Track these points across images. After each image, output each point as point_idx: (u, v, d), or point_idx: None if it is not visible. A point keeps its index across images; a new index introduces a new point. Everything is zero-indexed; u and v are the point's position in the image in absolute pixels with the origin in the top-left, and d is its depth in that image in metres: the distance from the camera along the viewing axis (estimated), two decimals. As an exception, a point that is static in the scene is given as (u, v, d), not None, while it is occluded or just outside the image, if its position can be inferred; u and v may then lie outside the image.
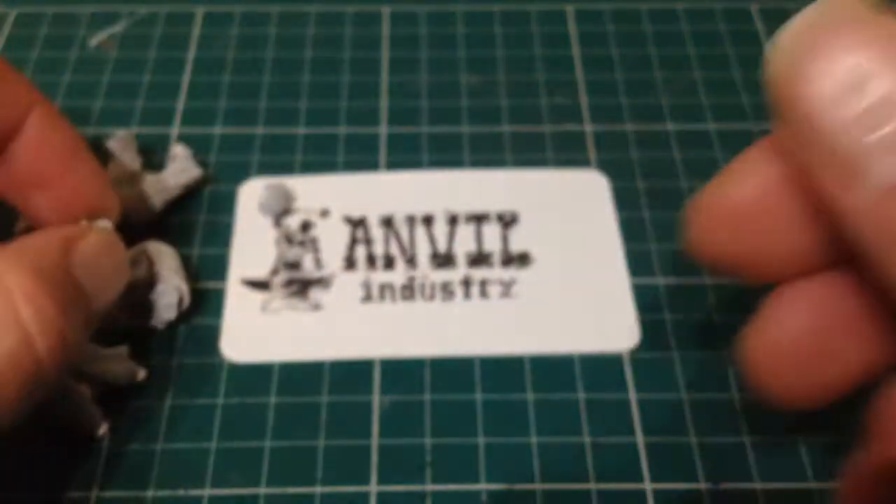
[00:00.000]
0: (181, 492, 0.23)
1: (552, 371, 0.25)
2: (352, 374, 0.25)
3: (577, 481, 0.23)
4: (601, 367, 0.25)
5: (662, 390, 0.25)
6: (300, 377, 0.25)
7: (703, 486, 0.23)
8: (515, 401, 0.25)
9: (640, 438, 0.24)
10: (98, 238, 0.22)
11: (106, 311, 0.22)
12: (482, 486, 0.23)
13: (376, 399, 0.25)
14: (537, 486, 0.23)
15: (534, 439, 0.24)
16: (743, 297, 0.27)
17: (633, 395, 0.25)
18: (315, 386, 0.25)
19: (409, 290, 0.27)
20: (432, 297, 0.27)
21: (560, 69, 0.33)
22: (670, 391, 0.25)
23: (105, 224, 0.23)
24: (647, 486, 0.23)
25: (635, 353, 0.26)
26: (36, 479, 0.23)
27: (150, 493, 0.23)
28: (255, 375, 0.25)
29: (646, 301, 0.27)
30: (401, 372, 0.25)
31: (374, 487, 0.23)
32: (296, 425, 0.24)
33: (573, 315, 0.26)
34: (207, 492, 0.23)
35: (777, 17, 0.34)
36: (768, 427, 0.24)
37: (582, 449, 0.24)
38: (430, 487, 0.23)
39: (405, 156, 0.30)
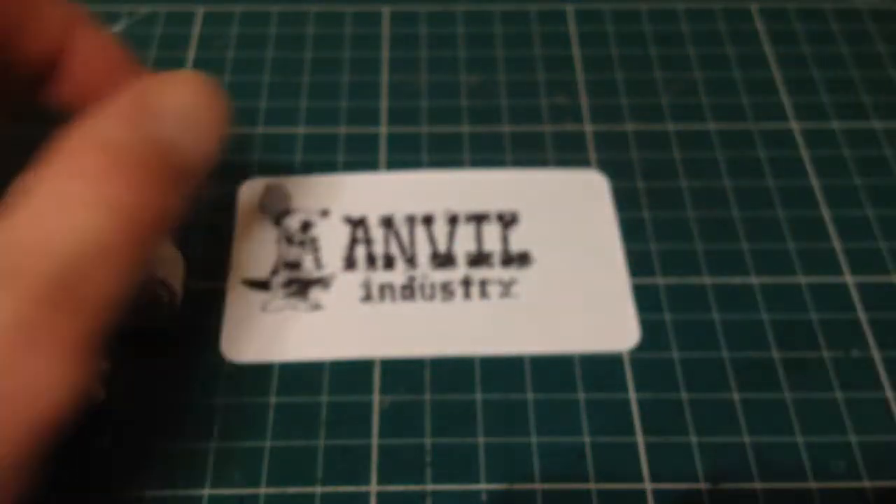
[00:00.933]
0: (181, 491, 0.23)
1: (552, 371, 0.25)
2: (352, 374, 0.25)
3: (577, 481, 0.23)
4: (601, 367, 0.25)
5: (662, 390, 0.25)
6: (300, 377, 0.25)
7: (703, 486, 0.23)
8: (515, 401, 0.25)
9: (640, 438, 0.24)
10: (178, 87, 0.20)
11: (207, 168, 0.20)
12: (482, 486, 0.23)
13: (376, 399, 0.25)
14: (537, 486, 0.23)
15: (534, 439, 0.24)
16: (743, 297, 0.27)
17: (633, 395, 0.25)
18: (315, 386, 0.25)
19: (409, 290, 0.27)
20: (432, 297, 0.27)
21: (560, 69, 0.33)
22: (670, 391, 0.25)
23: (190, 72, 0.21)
24: (647, 486, 0.23)
25: (635, 353, 0.26)
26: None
27: (149, 493, 0.23)
28: (255, 375, 0.25)
29: (646, 301, 0.27)
30: (401, 372, 0.25)
31: (374, 487, 0.23)
32: (296, 425, 0.24)
33: (573, 315, 0.26)
34: (207, 491, 0.23)
35: (777, 17, 0.34)
36: (768, 427, 0.24)
37: (582, 449, 0.24)
38: (430, 487, 0.23)
39: (405, 156, 0.30)
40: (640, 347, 0.26)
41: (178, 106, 0.19)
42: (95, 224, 0.17)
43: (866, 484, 0.23)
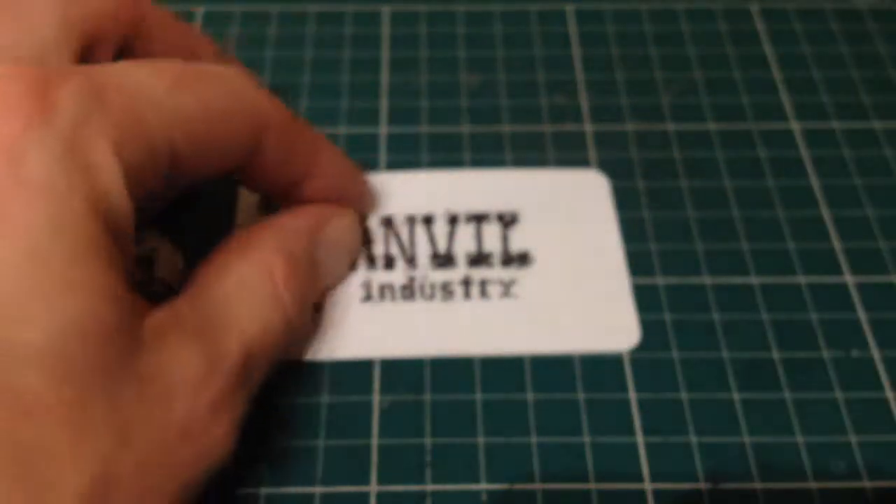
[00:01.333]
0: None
1: (552, 371, 0.25)
2: (351, 373, 0.25)
3: (577, 481, 0.23)
4: (601, 367, 0.25)
5: (662, 390, 0.25)
6: (299, 377, 0.25)
7: (703, 486, 0.23)
8: (515, 401, 0.25)
9: (640, 438, 0.24)
10: (341, 223, 0.25)
11: (332, 288, 0.26)
12: (482, 486, 0.23)
13: (376, 399, 0.25)
14: (537, 486, 0.23)
15: (534, 439, 0.24)
16: (743, 297, 0.27)
17: (633, 395, 0.25)
18: (315, 386, 0.25)
19: (409, 290, 0.27)
20: (432, 297, 0.27)
21: (560, 69, 0.33)
22: (670, 391, 0.25)
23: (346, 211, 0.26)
24: (647, 486, 0.23)
25: (635, 353, 0.26)
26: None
27: (150, 493, 0.23)
28: (255, 375, 0.25)
29: (646, 301, 0.27)
30: (401, 372, 0.25)
31: (374, 487, 0.23)
32: (296, 425, 0.24)
33: (573, 315, 0.26)
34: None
35: (777, 17, 0.34)
36: (768, 427, 0.24)
37: (582, 449, 0.24)
38: (430, 487, 0.23)
39: (405, 156, 0.30)
40: (640, 347, 0.26)
41: (341, 240, 0.25)
42: (272, 320, 0.21)
43: (866, 484, 0.23)
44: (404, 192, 0.29)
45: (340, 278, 0.26)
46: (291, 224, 0.23)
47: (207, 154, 0.21)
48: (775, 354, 0.26)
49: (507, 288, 0.27)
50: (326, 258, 0.24)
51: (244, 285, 0.21)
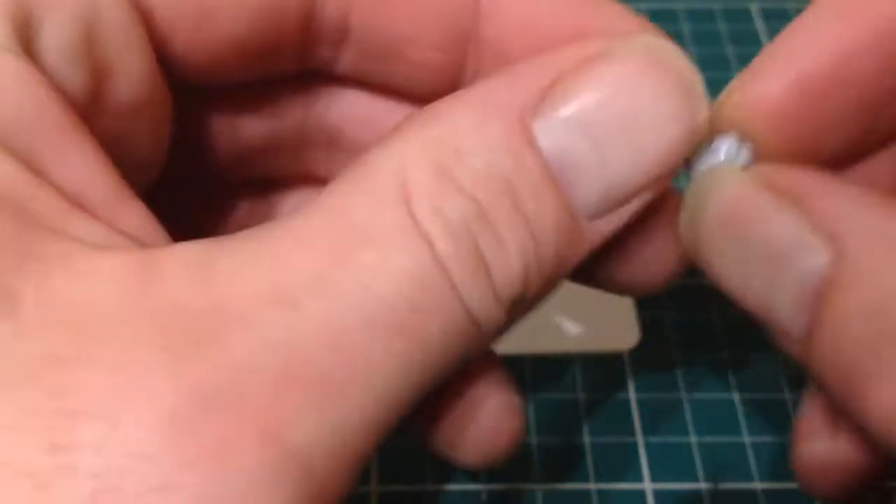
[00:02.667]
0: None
1: (552, 371, 0.25)
2: (352, 374, 0.25)
3: (577, 481, 0.23)
4: (601, 367, 0.25)
5: (662, 390, 0.25)
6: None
7: (703, 486, 0.23)
8: (515, 401, 0.25)
9: (640, 438, 0.24)
10: (607, 74, 0.14)
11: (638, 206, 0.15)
12: (482, 486, 0.23)
13: (376, 399, 0.25)
14: (537, 486, 0.23)
15: (534, 439, 0.24)
16: (743, 297, 0.27)
17: (633, 395, 0.25)
18: (315, 386, 0.25)
19: (409, 290, 0.27)
20: (432, 297, 0.27)
21: (560, 69, 0.33)
22: (670, 391, 0.25)
23: (649, 38, 0.15)
24: (647, 486, 0.23)
25: (635, 353, 0.26)
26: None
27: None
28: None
29: (646, 301, 0.27)
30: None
31: (374, 487, 0.23)
32: (296, 425, 0.24)
33: (573, 315, 0.26)
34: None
35: (777, 17, 0.34)
36: (768, 427, 0.24)
37: (582, 449, 0.24)
38: (430, 487, 0.23)
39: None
40: (640, 347, 0.26)
41: (608, 111, 0.14)
42: (399, 272, 0.13)
43: (866, 484, 0.23)
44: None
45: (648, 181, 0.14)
46: (487, 91, 0.14)
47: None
48: (776, 354, 0.26)
49: (507, 288, 0.27)
50: (605, 140, 0.14)
51: (356, 204, 0.13)
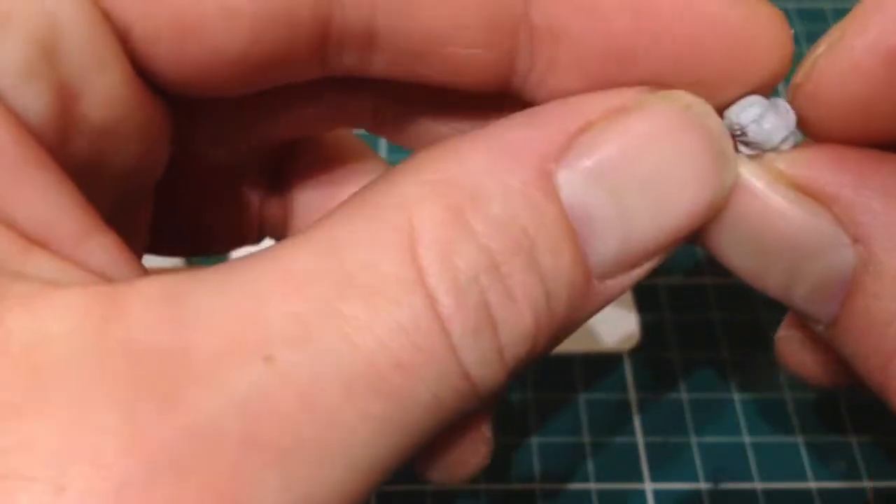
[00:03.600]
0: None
1: (552, 371, 0.25)
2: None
3: (577, 481, 0.23)
4: (601, 367, 0.25)
5: (662, 390, 0.25)
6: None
7: (703, 486, 0.23)
8: (516, 401, 0.25)
9: (640, 438, 0.24)
10: (634, 129, 0.13)
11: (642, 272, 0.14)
12: (483, 486, 0.23)
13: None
14: (537, 486, 0.23)
15: (534, 439, 0.24)
16: (743, 296, 0.27)
17: (633, 395, 0.25)
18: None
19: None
20: (432, 297, 0.27)
21: (560, 69, 0.33)
22: (670, 391, 0.25)
23: (686, 95, 0.14)
24: (647, 486, 0.23)
25: (635, 353, 0.26)
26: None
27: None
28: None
29: (646, 301, 0.27)
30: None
31: (374, 487, 0.23)
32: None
33: (573, 315, 0.26)
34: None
35: (777, 18, 0.34)
36: (768, 427, 0.24)
37: (582, 449, 0.24)
38: (430, 487, 0.23)
39: (405, 155, 0.30)
40: (640, 347, 0.26)
41: (630, 167, 0.13)
42: (400, 321, 0.12)
43: (866, 484, 0.23)
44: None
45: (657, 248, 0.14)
46: (507, 133, 0.13)
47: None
48: (776, 354, 0.26)
49: (507, 288, 0.27)
50: (623, 197, 0.13)
51: (363, 248, 0.12)
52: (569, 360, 0.26)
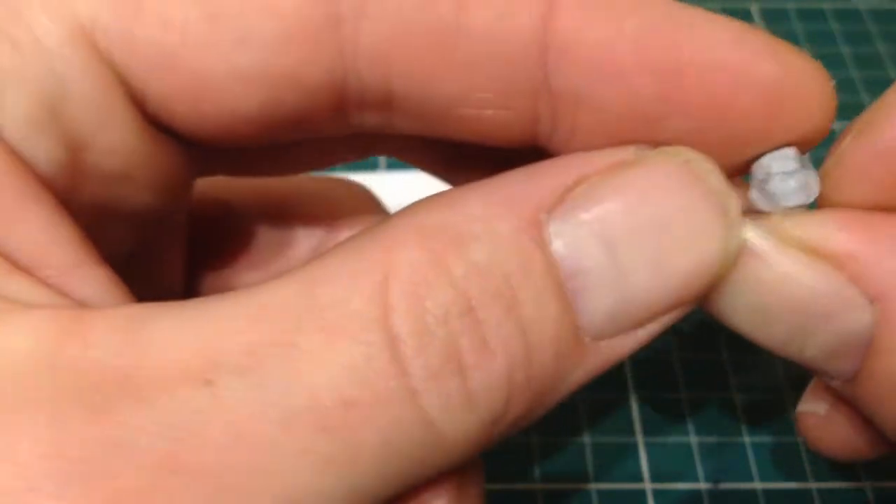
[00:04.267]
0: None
1: (552, 371, 0.25)
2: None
3: (578, 481, 0.23)
4: (601, 367, 0.25)
5: (662, 390, 0.25)
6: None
7: (703, 486, 0.23)
8: (515, 401, 0.25)
9: (640, 438, 0.24)
10: (650, 173, 0.13)
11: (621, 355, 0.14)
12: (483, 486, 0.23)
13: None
14: (537, 485, 0.23)
15: (534, 439, 0.24)
16: (743, 297, 0.27)
17: (633, 396, 0.25)
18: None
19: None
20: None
21: (560, 69, 0.33)
22: (670, 392, 0.25)
23: (686, 151, 0.13)
24: (647, 486, 0.23)
25: (635, 353, 0.26)
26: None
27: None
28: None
29: (646, 301, 0.27)
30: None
31: (374, 487, 0.23)
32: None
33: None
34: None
35: (777, 17, 0.34)
36: (768, 427, 0.24)
37: (582, 449, 0.24)
38: (430, 487, 0.23)
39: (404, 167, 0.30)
40: (640, 347, 0.26)
41: (629, 224, 0.13)
42: (368, 386, 0.12)
43: (866, 484, 0.23)
44: (404, 192, 0.29)
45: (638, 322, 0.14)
46: (503, 183, 0.13)
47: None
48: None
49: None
50: (627, 261, 0.13)
51: (330, 306, 0.12)
52: (569, 360, 0.26)
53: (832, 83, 0.14)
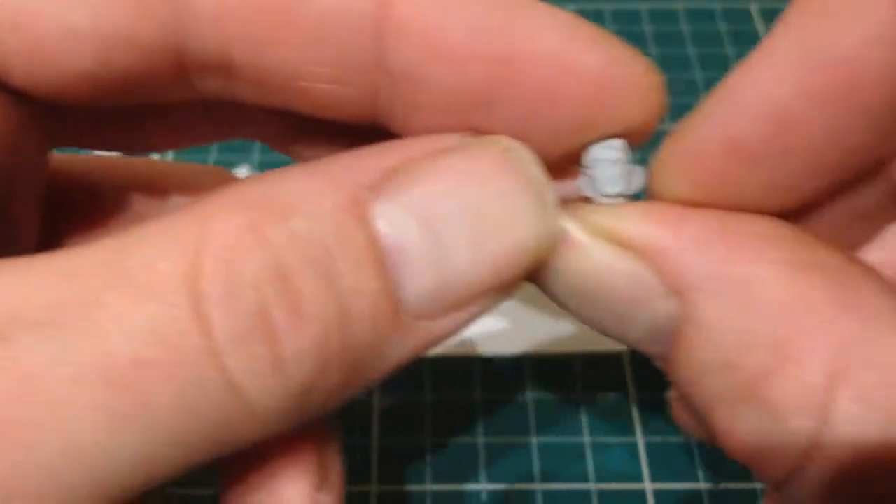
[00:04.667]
0: (181, 491, 0.23)
1: (552, 371, 0.25)
2: (352, 374, 0.25)
3: (577, 481, 0.23)
4: (601, 367, 0.25)
5: (662, 390, 0.25)
6: (300, 377, 0.25)
7: (703, 486, 0.23)
8: (515, 401, 0.25)
9: (640, 438, 0.24)
10: (471, 159, 0.14)
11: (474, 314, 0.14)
12: (482, 486, 0.23)
13: (377, 399, 0.25)
14: (537, 486, 0.23)
15: (534, 439, 0.24)
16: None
17: (633, 396, 0.25)
18: (315, 386, 0.25)
19: (409, 290, 0.27)
20: (432, 297, 0.27)
21: (560, 69, 0.33)
22: (670, 391, 0.25)
23: (507, 140, 0.14)
24: (647, 486, 0.23)
25: (635, 353, 0.26)
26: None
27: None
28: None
29: (646, 301, 0.27)
30: (401, 372, 0.25)
31: (374, 487, 0.23)
32: (296, 425, 0.24)
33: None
34: (210, 491, 0.23)
35: (777, 18, 0.34)
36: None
37: (582, 449, 0.24)
38: (430, 487, 0.23)
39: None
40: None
41: (444, 206, 0.13)
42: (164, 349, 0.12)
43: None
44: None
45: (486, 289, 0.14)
46: (329, 164, 0.14)
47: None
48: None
49: (507, 288, 0.27)
50: (449, 236, 0.13)
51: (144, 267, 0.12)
52: (569, 360, 0.26)
53: (660, 78, 0.14)
